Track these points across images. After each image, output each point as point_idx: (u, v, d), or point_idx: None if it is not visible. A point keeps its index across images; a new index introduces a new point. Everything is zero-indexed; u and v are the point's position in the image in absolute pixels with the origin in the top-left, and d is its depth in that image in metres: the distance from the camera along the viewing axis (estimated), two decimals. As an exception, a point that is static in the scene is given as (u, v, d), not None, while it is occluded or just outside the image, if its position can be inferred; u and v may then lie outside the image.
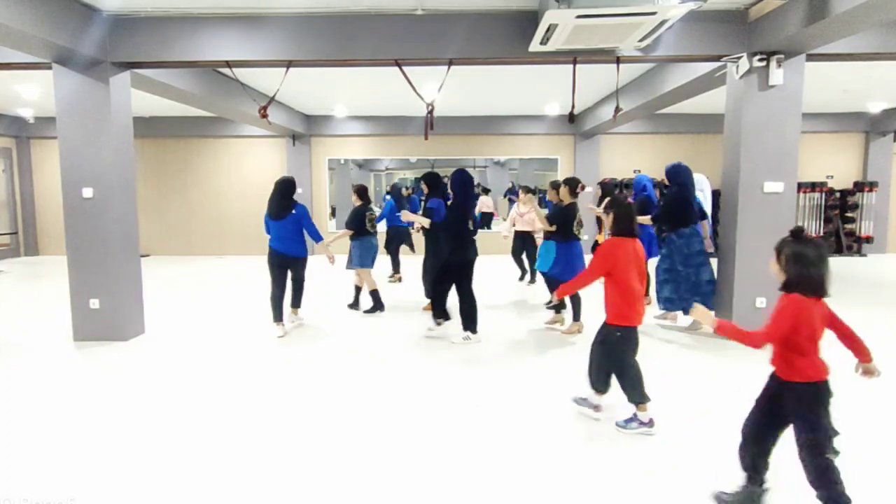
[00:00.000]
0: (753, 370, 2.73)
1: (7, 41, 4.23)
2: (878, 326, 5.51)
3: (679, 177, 5.25)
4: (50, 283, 8.26)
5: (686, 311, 5.19)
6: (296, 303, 5.61)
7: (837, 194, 11.20)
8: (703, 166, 11.33)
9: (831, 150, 11.45)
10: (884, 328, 5.45)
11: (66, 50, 4.49)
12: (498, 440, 3.09)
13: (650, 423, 3.11)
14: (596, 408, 3.34)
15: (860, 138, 11.45)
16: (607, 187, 6.98)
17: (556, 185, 5.57)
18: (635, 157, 11.38)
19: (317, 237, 5.38)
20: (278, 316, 5.26)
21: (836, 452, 2.12)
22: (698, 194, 5.52)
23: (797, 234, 2.24)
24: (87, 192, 4.94)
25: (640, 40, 4.38)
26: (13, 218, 11.44)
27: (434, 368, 4.33)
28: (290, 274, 5.37)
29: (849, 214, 11.18)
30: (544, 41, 4.41)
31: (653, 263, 5.71)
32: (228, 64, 5.04)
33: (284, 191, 5.21)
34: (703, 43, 4.81)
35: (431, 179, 5.71)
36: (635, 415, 3.15)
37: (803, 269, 2.15)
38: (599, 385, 3.29)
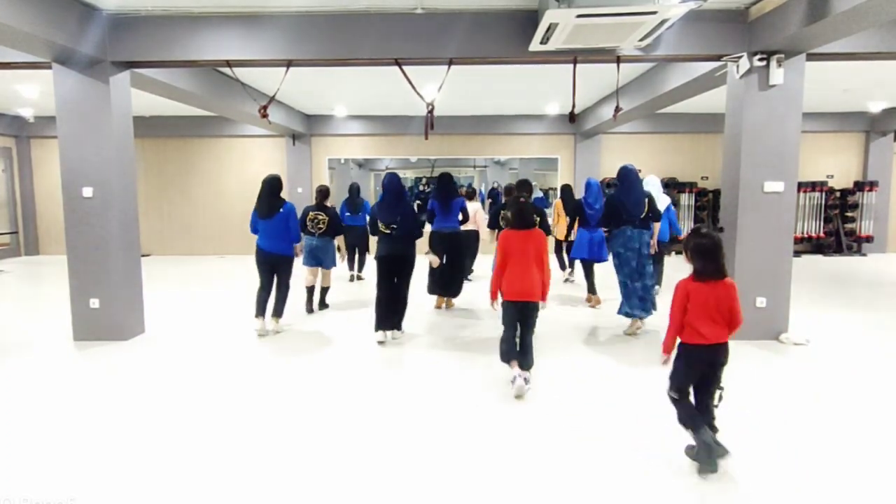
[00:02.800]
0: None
1: (7, 41, 4.23)
2: (879, 326, 5.51)
3: (621, 179, 5.24)
4: (50, 283, 8.26)
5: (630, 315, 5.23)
6: (278, 311, 5.34)
7: (837, 194, 11.20)
8: (703, 166, 11.42)
9: (831, 150, 11.44)
10: (884, 328, 5.44)
11: (66, 49, 4.49)
12: (497, 440, 3.10)
13: (515, 380, 3.71)
14: (514, 378, 3.75)
15: (860, 138, 11.44)
16: (565, 192, 7.57)
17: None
18: (636, 157, 11.34)
19: (297, 237, 5.32)
20: (260, 311, 5.23)
21: (672, 398, 2.76)
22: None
23: (696, 230, 2.79)
24: (87, 192, 4.94)
25: (641, 40, 4.37)
26: (13, 218, 11.43)
27: (434, 367, 4.34)
28: (275, 278, 5.29)
29: (849, 214, 11.18)
30: (544, 40, 4.40)
31: (603, 266, 6.47)
32: (228, 63, 5.04)
33: (274, 189, 5.19)
34: (704, 43, 4.80)
35: (441, 181, 6.15)
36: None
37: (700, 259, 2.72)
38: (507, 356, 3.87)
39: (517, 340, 3.86)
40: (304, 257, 6.01)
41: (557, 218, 7.75)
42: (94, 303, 5.01)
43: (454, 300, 6.48)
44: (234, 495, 2.56)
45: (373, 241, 8.14)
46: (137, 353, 4.75)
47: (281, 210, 5.13)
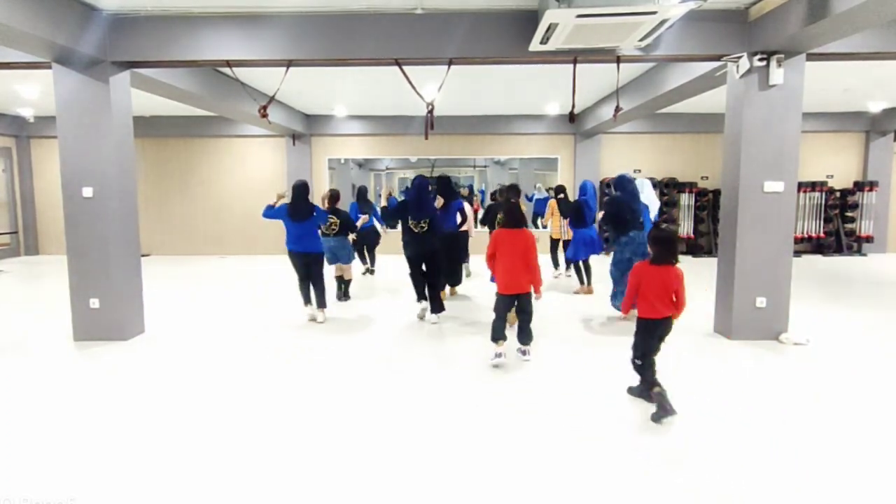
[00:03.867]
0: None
1: (7, 41, 4.22)
2: (879, 326, 5.51)
3: (619, 187, 5.59)
4: (50, 283, 8.26)
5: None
6: (321, 303, 5.84)
7: (837, 194, 11.19)
8: (703, 166, 11.42)
9: (831, 150, 11.44)
10: (884, 328, 5.44)
11: (65, 49, 4.49)
12: (497, 439, 3.10)
13: (496, 356, 4.26)
14: (498, 355, 4.29)
15: (860, 138, 11.44)
16: (559, 191, 7.70)
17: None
18: (636, 157, 11.37)
19: (324, 221, 6.01)
20: (307, 300, 5.89)
21: (637, 364, 3.45)
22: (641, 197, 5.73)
23: (657, 225, 3.23)
24: (87, 192, 4.93)
25: (641, 40, 4.37)
26: (13, 218, 11.43)
27: (433, 368, 4.34)
28: (309, 276, 5.78)
29: (849, 214, 11.18)
30: (544, 40, 4.41)
31: (598, 259, 7.16)
32: (228, 63, 5.04)
33: (305, 194, 5.67)
34: (704, 43, 4.80)
35: (441, 184, 6.50)
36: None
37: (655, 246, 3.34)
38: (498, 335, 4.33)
39: (507, 325, 4.38)
40: (327, 257, 6.37)
41: (552, 217, 7.95)
42: (94, 303, 5.01)
43: (456, 287, 7.11)
44: (234, 493, 2.56)
45: (385, 238, 8.42)
46: (137, 353, 4.76)
47: (314, 214, 5.66)
